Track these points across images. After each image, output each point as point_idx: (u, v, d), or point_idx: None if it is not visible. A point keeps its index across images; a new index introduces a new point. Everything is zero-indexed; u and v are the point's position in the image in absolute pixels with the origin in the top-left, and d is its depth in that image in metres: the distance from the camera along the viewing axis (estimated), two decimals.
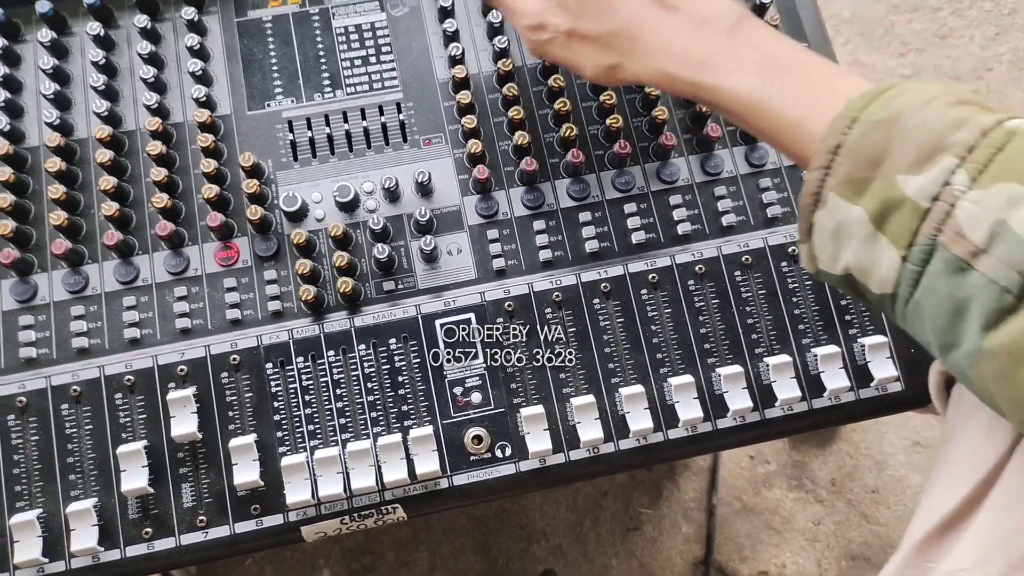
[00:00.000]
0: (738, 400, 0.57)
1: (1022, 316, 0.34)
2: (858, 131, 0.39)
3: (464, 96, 0.64)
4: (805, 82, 0.45)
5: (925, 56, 1.49)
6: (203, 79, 0.65)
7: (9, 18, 0.66)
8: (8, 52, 0.65)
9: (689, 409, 0.57)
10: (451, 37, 0.66)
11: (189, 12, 0.66)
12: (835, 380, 0.58)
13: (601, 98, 0.64)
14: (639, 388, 0.58)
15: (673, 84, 0.51)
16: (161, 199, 0.60)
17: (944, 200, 0.36)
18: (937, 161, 0.37)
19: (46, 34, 0.65)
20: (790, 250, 0.62)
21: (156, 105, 0.63)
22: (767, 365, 0.59)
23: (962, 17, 1.50)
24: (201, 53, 0.66)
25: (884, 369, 0.59)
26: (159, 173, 0.61)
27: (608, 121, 0.63)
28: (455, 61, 0.65)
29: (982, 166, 0.36)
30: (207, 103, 0.64)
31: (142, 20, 0.65)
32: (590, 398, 0.58)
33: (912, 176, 0.37)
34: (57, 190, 0.60)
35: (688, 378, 0.58)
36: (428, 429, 0.57)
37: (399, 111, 0.66)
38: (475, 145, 0.62)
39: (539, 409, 0.57)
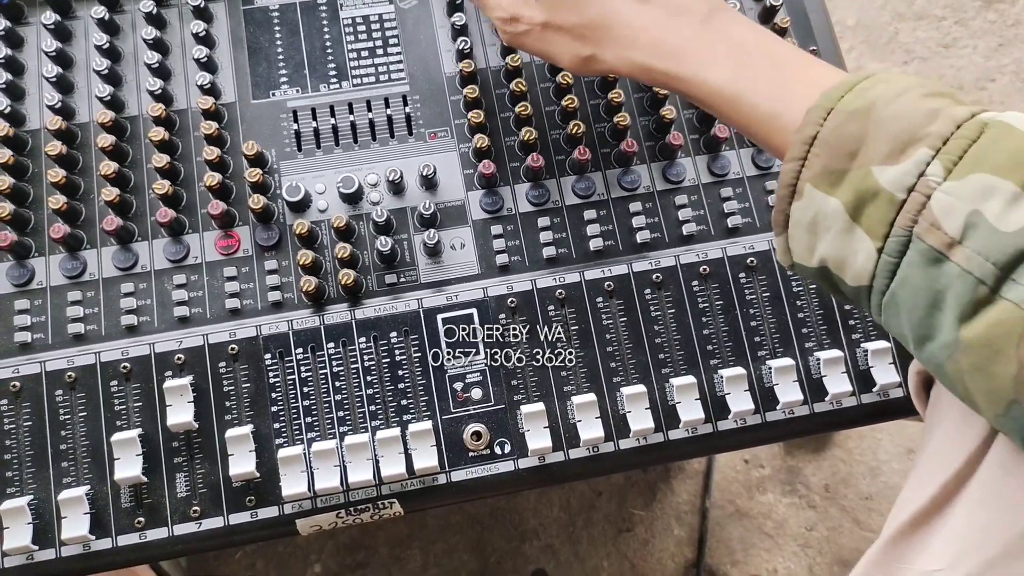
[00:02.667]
0: (740, 402, 0.57)
1: (997, 308, 0.34)
2: (833, 121, 0.39)
3: (471, 91, 0.64)
4: (779, 72, 0.45)
5: (929, 65, 1.49)
6: (208, 66, 0.64)
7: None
8: (11, 34, 0.64)
9: (690, 410, 0.57)
10: (459, 31, 0.66)
11: None
12: (837, 384, 0.58)
13: (609, 96, 0.64)
14: (641, 388, 0.57)
15: (649, 75, 0.50)
16: (163, 186, 0.59)
17: (919, 191, 0.36)
18: (912, 152, 0.36)
19: (50, 16, 0.64)
20: None
21: (160, 91, 0.62)
22: (770, 368, 0.58)
23: (966, 27, 1.50)
24: (206, 40, 0.65)
25: (887, 374, 0.58)
26: (161, 159, 0.60)
27: (616, 119, 0.63)
28: (463, 55, 0.65)
29: (956, 157, 0.36)
30: (211, 90, 0.63)
31: (148, 5, 0.64)
32: (591, 396, 0.57)
33: (887, 167, 0.37)
34: (57, 174, 0.59)
35: (690, 379, 0.58)
36: (427, 424, 0.56)
37: (405, 104, 0.65)
38: (481, 140, 0.62)
39: (539, 406, 0.57)
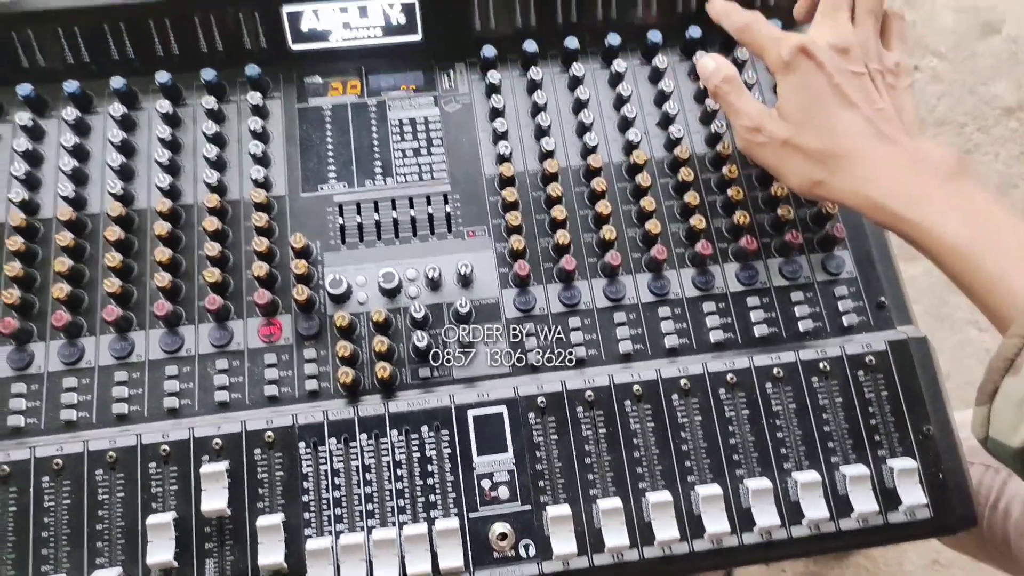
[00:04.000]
0: (765, 516, 0.57)
1: None
2: None
3: (510, 193, 0.66)
4: (1017, 242, 0.46)
5: None
6: (262, 160, 0.68)
7: (84, 90, 0.69)
8: (80, 122, 0.69)
9: (716, 521, 0.57)
10: (500, 136, 0.69)
11: (255, 97, 0.69)
12: (863, 502, 0.58)
13: (641, 204, 0.66)
14: (666, 494, 0.58)
15: (876, 212, 0.53)
16: (212, 273, 0.62)
17: None
18: None
19: (117, 108, 0.68)
20: (821, 365, 0.62)
21: (216, 183, 0.66)
22: (795, 481, 0.59)
23: (988, 134, 1.53)
24: (262, 136, 0.69)
25: (913, 494, 0.58)
26: (213, 248, 0.63)
27: (647, 226, 0.65)
28: (502, 159, 0.68)
29: None
30: (264, 183, 0.67)
31: (209, 101, 0.69)
32: (617, 501, 0.58)
33: None
34: (114, 258, 0.62)
35: (716, 488, 0.58)
36: (454, 522, 0.57)
37: (446, 202, 0.68)
38: (517, 241, 0.65)
39: (565, 509, 0.58)
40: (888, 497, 0.59)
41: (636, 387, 0.62)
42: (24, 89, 0.68)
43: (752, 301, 0.65)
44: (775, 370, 0.62)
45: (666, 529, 0.57)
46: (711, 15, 0.68)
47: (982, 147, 1.52)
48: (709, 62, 0.65)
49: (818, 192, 0.57)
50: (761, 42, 0.62)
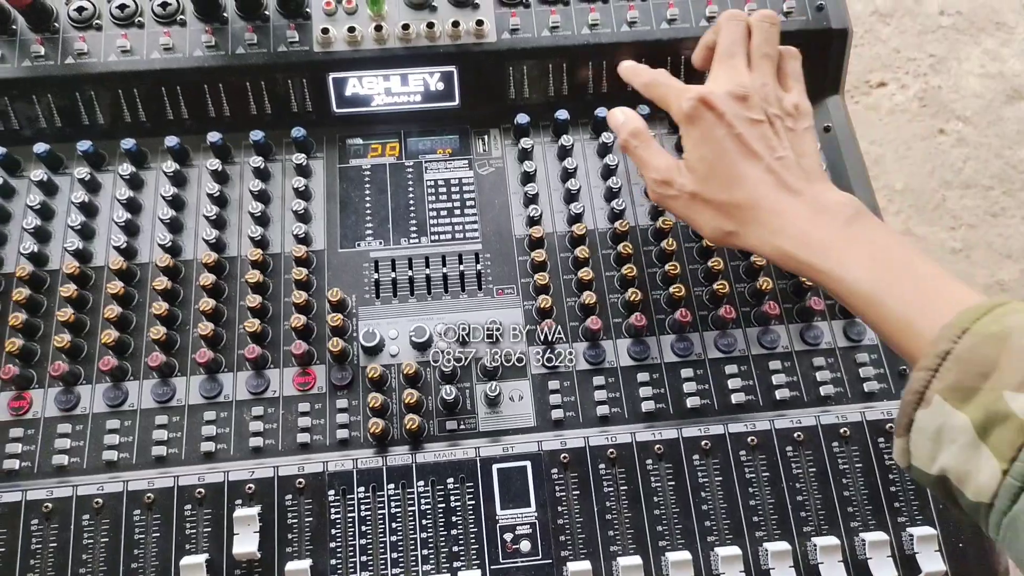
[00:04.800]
0: None
1: None
2: (968, 341, 0.42)
3: (539, 254, 0.69)
4: (917, 283, 0.48)
5: (976, 232, 1.53)
6: (303, 217, 0.72)
7: (139, 147, 0.74)
8: (134, 177, 0.73)
9: None
10: (531, 199, 0.72)
11: (299, 157, 0.73)
12: (883, 569, 0.58)
13: (666, 267, 0.69)
14: (686, 555, 0.59)
15: (787, 262, 0.55)
16: (253, 324, 0.65)
17: None
18: None
19: (170, 165, 0.72)
20: (842, 431, 0.63)
21: (259, 237, 0.69)
22: (815, 545, 0.59)
23: (1013, 197, 1.54)
24: (304, 194, 0.73)
25: (932, 562, 0.59)
26: (254, 300, 0.66)
27: (671, 289, 0.68)
28: (533, 221, 0.71)
29: None
30: (305, 239, 0.70)
31: (256, 160, 0.73)
32: (637, 559, 0.59)
33: (1020, 394, 0.39)
34: (160, 307, 0.66)
35: (735, 550, 0.59)
36: (476, 573, 0.58)
37: (477, 261, 0.71)
38: (545, 300, 0.67)
39: (586, 565, 0.59)
40: (908, 565, 0.60)
41: (657, 446, 0.63)
42: (84, 145, 0.72)
43: (774, 365, 0.67)
44: (795, 434, 0.63)
45: None
46: (621, 75, 0.70)
47: (1008, 210, 1.53)
48: (619, 115, 0.66)
49: (731, 242, 0.58)
50: (665, 96, 0.63)
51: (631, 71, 0.68)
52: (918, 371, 0.43)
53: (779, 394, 0.65)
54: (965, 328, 0.42)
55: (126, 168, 0.72)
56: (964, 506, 0.43)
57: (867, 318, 0.51)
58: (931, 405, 0.42)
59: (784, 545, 0.59)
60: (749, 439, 0.63)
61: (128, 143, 0.73)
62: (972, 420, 0.40)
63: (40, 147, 0.72)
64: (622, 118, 0.65)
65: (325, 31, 0.73)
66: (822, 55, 0.77)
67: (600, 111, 0.75)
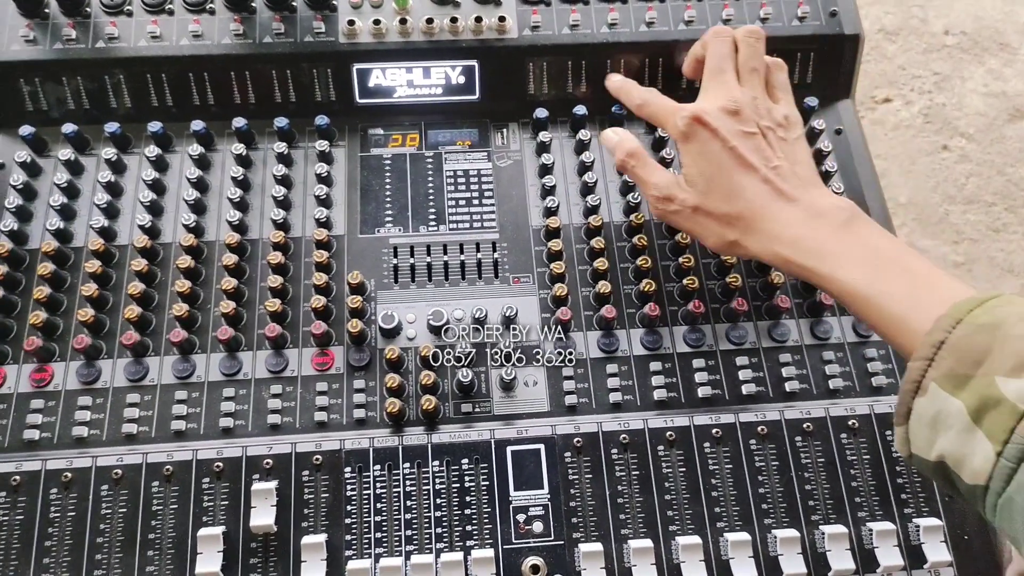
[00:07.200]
0: (793, 565, 0.59)
1: None
2: (962, 331, 0.43)
3: (555, 244, 0.70)
4: (911, 281, 0.50)
5: (979, 247, 1.55)
6: (325, 203, 0.73)
7: (165, 131, 0.75)
8: (160, 160, 0.74)
9: (743, 568, 0.59)
10: (548, 191, 0.74)
11: (322, 144, 0.74)
12: (889, 557, 0.59)
13: (680, 260, 0.70)
14: (696, 539, 0.60)
15: (788, 266, 0.57)
16: (273, 304, 0.66)
17: None
18: None
19: (195, 148, 0.74)
20: (850, 423, 0.65)
21: (282, 220, 0.71)
22: (823, 533, 0.60)
23: (1015, 214, 1.56)
24: (326, 180, 0.74)
25: (938, 552, 0.60)
26: (276, 280, 0.67)
27: (684, 281, 0.69)
28: (550, 212, 0.72)
29: None
30: (326, 223, 0.72)
31: (280, 146, 0.74)
32: (647, 542, 0.60)
33: (1011, 380, 0.41)
34: (183, 285, 0.67)
35: (744, 536, 0.60)
36: (489, 552, 0.59)
37: (494, 250, 0.72)
38: (560, 289, 0.68)
39: (597, 547, 0.60)
40: (914, 555, 0.61)
41: (669, 433, 0.64)
42: (111, 126, 0.74)
43: (784, 357, 0.68)
44: (805, 424, 0.65)
45: (695, 573, 0.58)
46: (609, 90, 0.72)
47: (1010, 226, 1.55)
48: (612, 136, 0.68)
49: (735, 251, 0.61)
50: (659, 116, 0.65)
51: (621, 91, 0.70)
52: (915, 361, 0.45)
53: (789, 386, 0.66)
54: (959, 319, 0.44)
55: (152, 150, 0.73)
56: (962, 490, 0.44)
57: (865, 317, 0.52)
58: (928, 393, 0.44)
59: (793, 532, 0.60)
60: (759, 428, 0.64)
61: (155, 126, 0.74)
62: (967, 405, 0.42)
63: (68, 127, 0.73)
64: (616, 138, 0.67)
65: (351, 23, 0.74)
66: (834, 60, 0.79)
67: (617, 107, 0.76)
